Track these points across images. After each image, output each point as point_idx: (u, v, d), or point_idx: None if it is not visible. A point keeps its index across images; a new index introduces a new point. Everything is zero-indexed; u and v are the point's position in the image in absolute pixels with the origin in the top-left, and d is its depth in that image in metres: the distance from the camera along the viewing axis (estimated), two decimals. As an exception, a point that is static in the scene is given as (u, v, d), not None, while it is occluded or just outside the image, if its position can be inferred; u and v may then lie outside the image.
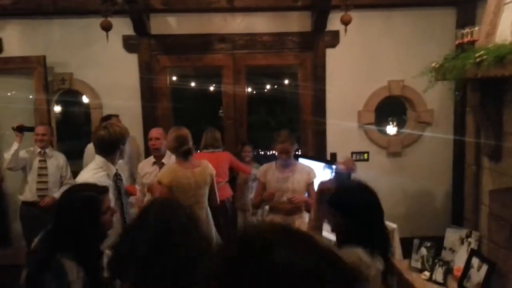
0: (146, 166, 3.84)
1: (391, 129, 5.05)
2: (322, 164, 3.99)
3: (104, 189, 2.05)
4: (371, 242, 1.83)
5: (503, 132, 2.98)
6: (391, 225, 3.38)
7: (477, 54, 2.74)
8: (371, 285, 1.83)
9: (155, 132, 3.92)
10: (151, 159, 3.89)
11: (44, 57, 4.54)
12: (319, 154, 4.81)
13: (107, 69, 4.72)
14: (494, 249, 3.08)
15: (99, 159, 2.68)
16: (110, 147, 2.70)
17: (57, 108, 5.12)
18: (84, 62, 4.71)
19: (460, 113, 4.47)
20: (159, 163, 3.79)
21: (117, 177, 2.71)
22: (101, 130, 2.74)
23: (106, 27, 3.78)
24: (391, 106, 5.06)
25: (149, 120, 4.76)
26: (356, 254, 1.78)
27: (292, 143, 3.34)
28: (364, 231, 1.85)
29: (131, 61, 4.75)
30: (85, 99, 5.06)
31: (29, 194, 4.18)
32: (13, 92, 4.88)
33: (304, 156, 4.75)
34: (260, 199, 3.49)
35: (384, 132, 5.00)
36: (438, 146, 4.79)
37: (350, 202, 1.88)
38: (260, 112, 9.94)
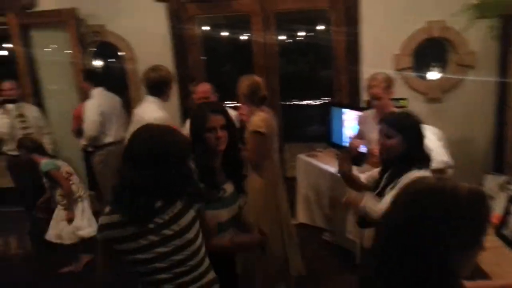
0: None
1: (431, 74, 4.77)
2: (356, 113, 3.87)
3: None
4: (423, 165, 2.05)
5: (545, 70, 2.73)
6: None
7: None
8: None
9: (203, 88, 3.76)
10: None
11: (74, 10, 4.60)
12: (354, 102, 4.66)
13: (137, 20, 4.71)
14: (532, 195, 2.90)
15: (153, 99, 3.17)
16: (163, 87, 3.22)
17: (96, 63, 5.21)
18: (114, 13, 4.74)
19: (504, 54, 4.13)
20: None
21: None
22: (151, 72, 3.19)
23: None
24: (431, 49, 4.75)
25: (181, 71, 4.77)
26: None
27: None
28: (419, 154, 2.07)
29: (160, 10, 4.72)
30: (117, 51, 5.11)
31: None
32: (51, 46, 5.03)
33: (338, 104, 4.63)
34: None
35: (423, 77, 4.73)
36: (480, 90, 4.48)
37: (412, 125, 2.10)
38: (294, 61, 9.67)
